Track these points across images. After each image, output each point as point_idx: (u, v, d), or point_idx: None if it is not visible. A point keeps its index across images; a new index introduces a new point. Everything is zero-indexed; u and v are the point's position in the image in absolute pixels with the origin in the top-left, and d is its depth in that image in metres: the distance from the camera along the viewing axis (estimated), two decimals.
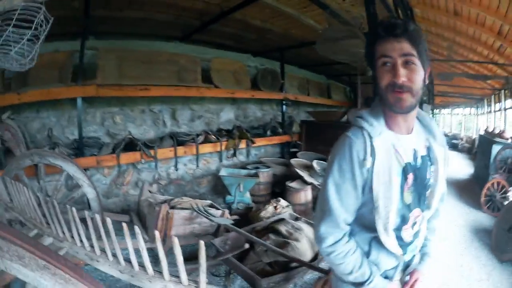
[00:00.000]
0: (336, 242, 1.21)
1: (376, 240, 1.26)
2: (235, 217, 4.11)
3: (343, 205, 1.19)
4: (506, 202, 5.87)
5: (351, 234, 1.29)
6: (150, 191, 4.28)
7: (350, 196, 1.19)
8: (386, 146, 1.19)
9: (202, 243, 1.49)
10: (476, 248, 5.12)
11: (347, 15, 4.23)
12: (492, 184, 6.83)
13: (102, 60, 4.38)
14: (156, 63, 4.91)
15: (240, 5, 4.18)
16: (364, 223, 1.28)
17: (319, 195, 1.27)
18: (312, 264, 2.68)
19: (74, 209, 1.79)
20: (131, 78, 4.54)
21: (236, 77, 6.21)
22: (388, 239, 1.22)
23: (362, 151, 1.16)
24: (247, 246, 2.99)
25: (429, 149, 1.33)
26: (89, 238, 1.80)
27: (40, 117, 4.28)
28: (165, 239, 3.34)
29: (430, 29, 7.72)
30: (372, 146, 1.16)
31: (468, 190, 8.83)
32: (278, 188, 5.54)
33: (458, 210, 7.01)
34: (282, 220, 3.57)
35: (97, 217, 1.77)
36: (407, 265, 1.38)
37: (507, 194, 6.11)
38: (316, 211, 1.28)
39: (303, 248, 3.01)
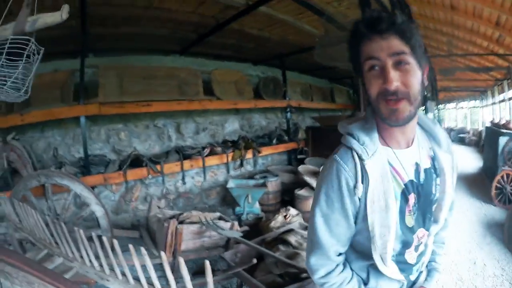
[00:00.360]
0: (328, 274, 1.12)
1: (374, 267, 1.13)
2: (245, 228, 4.10)
3: (333, 236, 1.08)
4: None
5: (346, 261, 1.19)
6: (158, 207, 4.32)
7: (341, 227, 1.08)
8: (381, 167, 1.04)
9: (207, 263, 1.53)
10: (489, 244, 5.08)
11: (343, 20, 4.24)
12: (502, 176, 6.76)
13: (103, 78, 4.46)
14: (156, 78, 4.98)
15: (235, 16, 4.22)
16: (360, 250, 1.16)
17: (309, 223, 1.16)
18: None
19: (81, 231, 1.84)
20: (132, 95, 4.61)
21: (238, 87, 6.26)
22: (387, 269, 1.11)
23: (352, 177, 1.02)
24: (254, 261, 2.95)
25: (433, 159, 1.17)
26: (98, 257, 1.84)
27: (45, 137, 4.36)
28: (175, 254, 3.37)
29: (428, 25, 7.79)
30: (363, 170, 1.02)
31: (478, 184, 8.81)
32: (288, 196, 5.53)
33: (468, 205, 7.02)
34: (291, 230, 3.55)
35: (104, 238, 1.81)
36: (413, 283, 1.26)
37: None
38: (307, 240, 1.17)
39: None
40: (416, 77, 0.95)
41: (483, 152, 12.10)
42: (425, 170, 1.13)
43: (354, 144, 1.04)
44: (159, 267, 1.90)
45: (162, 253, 1.54)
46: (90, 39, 4.11)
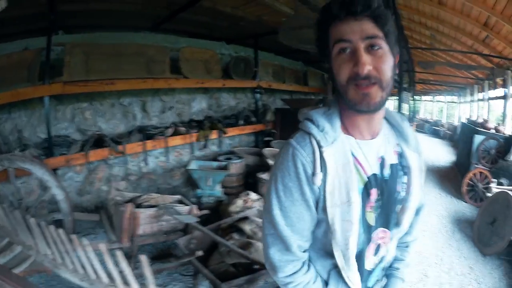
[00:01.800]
0: (294, 273, 1.05)
1: (337, 270, 1.08)
2: (205, 212, 4.14)
3: (295, 231, 1.02)
4: (488, 194, 5.97)
5: (310, 261, 1.13)
6: (117, 189, 4.36)
7: (303, 220, 1.02)
8: (343, 156, 0.99)
9: (144, 258, 1.62)
10: (458, 241, 5.19)
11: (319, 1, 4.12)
12: (475, 174, 7.05)
13: (68, 56, 4.44)
14: (124, 55, 4.97)
15: None
16: (321, 247, 1.11)
17: (264, 214, 1.07)
18: None
19: (32, 219, 1.98)
20: (98, 73, 4.62)
21: (207, 66, 6.28)
22: (348, 269, 1.05)
23: (309, 163, 0.97)
24: (199, 253, 2.99)
25: (400, 155, 1.13)
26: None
27: (12, 118, 4.36)
28: (133, 238, 3.46)
29: (413, 17, 7.97)
30: (322, 158, 0.96)
31: (449, 178, 9.11)
32: (252, 179, 5.67)
33: (439, 200, 7.22)
34: (246, 218, 3.61)
35: (51, 228, 1.94)
36: None
37: (490, 185, 6.24)
38: (264, 234, 1.08)
39: None
40: (388, 63, 0.94)
41: (457, 147, 12.46)
42: (391, 165, 1.09)
43: (313, 129, 1.00)
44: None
45: (101, 245, 1.66)
46: (59, 16, 4.10)
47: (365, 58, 0.89)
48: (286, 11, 5.08)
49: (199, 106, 6.78)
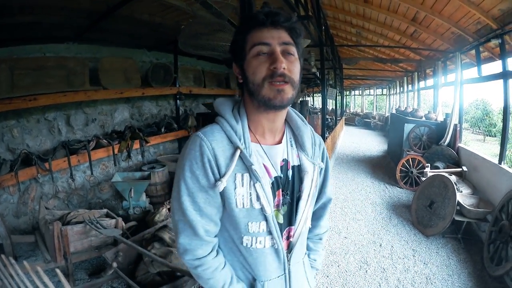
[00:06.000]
0: (204, 256, 1.22)
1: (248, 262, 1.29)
2: (132, 223, 4.60)
3: (203, 215, 1.19)
4: (423, 178, 6.77)
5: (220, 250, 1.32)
6: (46, 208, 4.57)
7: (210, 205, 1.20)
8: (250, 158, 1.18)
9: (59, 271, 2.03)
10: (396, 225, 5.73)
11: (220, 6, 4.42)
12: (407, 160, 8.08)
13: None
14: (46, 69, 5.20)
15: (125, 1, 4.61)
16: (230, 242, 1.30)
17: (173, 202, 1.22)
18: None
19: None
20: (22, 88, 4.82)
21: (127, 75, 6.68)
22: (261, 264, 1.28)
23: (217, 157, 1.15)
24: (115, 265, 3.34)
25: (300, 158, 1.35)
26: None
27: None
28: (66, 257, 3.69)
29: (337, 15, 8.96)
30: (232, 156, 1.17)
31: (382, 167, 10.15)
32: None
33: (372, 188, 7.99)
34: (165, 227, 3.93)
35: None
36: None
37: (425, 170, 6.99)
38: (174, 221, 1.24)
39: None
40: (298, 67, 1.18)
41: (388, 137, 13.85)
42: (293, 167, 1.32)
43: (226, 127, 1.21)
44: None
45: (38, 267, 2.08)
46: None
47: (282, 58, 1.11)
48: (205, 16, 5.49)
49: (121, 116, 7.17)
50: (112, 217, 4.38)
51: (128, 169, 6.83)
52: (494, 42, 5.81)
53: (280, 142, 1.32)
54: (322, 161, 1.45)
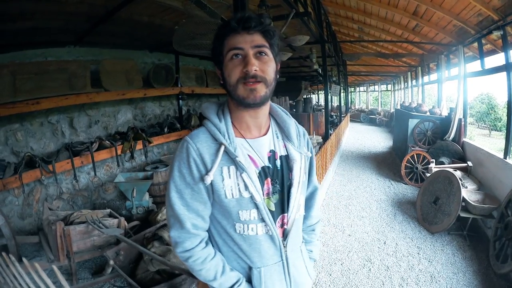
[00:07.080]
0: (192, 248, 1.30)
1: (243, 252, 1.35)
2: (135, 223, 4.65)
3: (190, 210, 1.28)
4: (428, 174, 6.72)
5: (211, 242, 1.39)
6: (50, 208, 4.60)
7: (197, 201, 1.29)
8: (236, 152, 1.27)
9: (55, 269, 2.07)
10: (400, 222, 5.66)
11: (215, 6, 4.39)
12: (412, 156, 7.96)
13: None
14: (48, 73, 5.25)
15: (123, 4, 4.59)
16: (224, 233, 1.36)
17: (166, 200, 1.33)
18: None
19: None
20: (25, 93, 4.88)
21: (128, 76, 6.69)
22: (257, 255, 1.35)
23: (203, 156, 1.25)
24: (112, 263, 3.32)
25: (288, 149, 1.43)
26: None
27: None
28: (69, 256, 3.77)
29: (339, 11, 8.88)
30: (217, 153, 1.25)
31: (387, 163, 10.06)
32: None
33: (377, 185, 7.90)
34: (165, 225, 3.88)
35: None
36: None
37: (429, 165, 6.98)
38: (167, 216, 1.35)
39: None
40: (272, 67, 1.26)
41: (393, 132, 13.73)
42: (281, 157, 1.40)
43: (210, 127, 1.31)
44: (60, 269, 2.38)
45: (37, 265, 2.10)
46: None
47: (254, 61, 1.20)
48: (203, 16, 5.44)
49: (124, 117, 7.22)
50: (115, 217, 4.43)
51: (132, 169, 6.86)
52: (496, 34, 5.75)
53: (266, 134, 1.41)
54: (308, 150, 1.52)
